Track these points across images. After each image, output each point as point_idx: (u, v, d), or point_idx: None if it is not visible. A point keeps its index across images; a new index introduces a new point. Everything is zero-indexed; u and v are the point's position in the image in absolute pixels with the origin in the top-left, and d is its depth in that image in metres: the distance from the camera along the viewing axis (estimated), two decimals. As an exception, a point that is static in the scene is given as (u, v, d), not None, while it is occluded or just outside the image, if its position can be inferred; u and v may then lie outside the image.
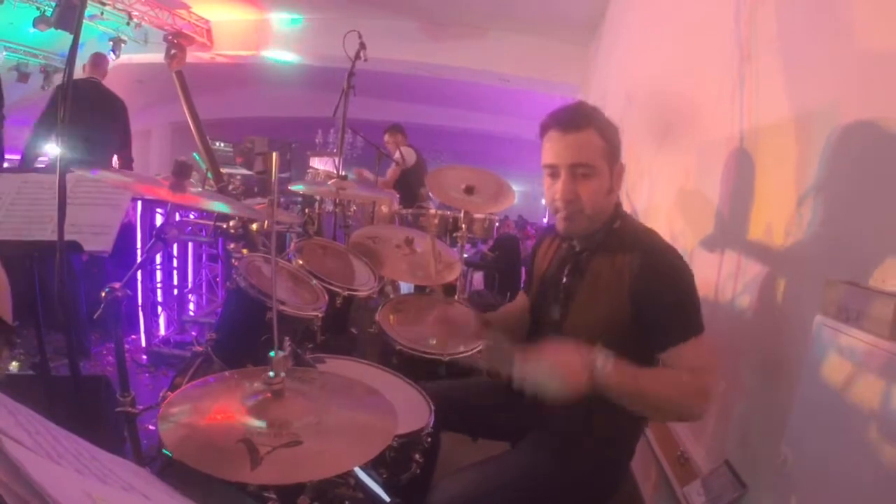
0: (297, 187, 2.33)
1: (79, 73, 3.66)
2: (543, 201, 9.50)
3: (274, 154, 0.96)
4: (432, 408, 1.30)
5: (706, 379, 1.03)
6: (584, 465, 1.16)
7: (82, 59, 3.50)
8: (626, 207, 1.24)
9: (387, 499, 1.14)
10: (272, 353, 0.84)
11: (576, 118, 1.10)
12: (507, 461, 1.21)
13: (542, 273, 1.32)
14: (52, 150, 3.17)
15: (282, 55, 6.61)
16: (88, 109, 3.29)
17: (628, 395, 0.98)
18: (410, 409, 1.30)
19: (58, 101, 3.34)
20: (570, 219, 1.13)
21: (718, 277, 1.53)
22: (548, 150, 1.13)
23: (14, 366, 2.00)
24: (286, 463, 0.73)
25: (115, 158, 3.50)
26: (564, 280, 1.21)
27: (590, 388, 0.95)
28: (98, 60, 3.54)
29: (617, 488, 1.23)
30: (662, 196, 2.27)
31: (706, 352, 1.05)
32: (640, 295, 1.07)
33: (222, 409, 0.82)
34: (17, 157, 3.51)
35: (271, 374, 0.83)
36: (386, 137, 4.57)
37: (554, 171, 1.12)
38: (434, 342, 1.67)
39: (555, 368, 0.94)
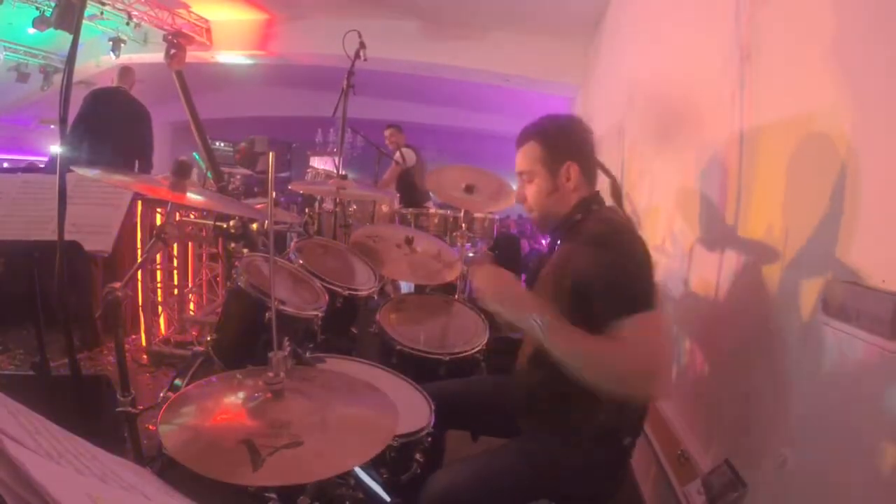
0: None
1: (108, 82, 3.89)
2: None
3: (271, 154, 0.95)
4: (433, 407, 1.30)
5: (648, 348, 0.99)
6: (579, 461, 1.15)
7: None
8: (626, 207, 1.26)
9: (387, 499, 1.14)
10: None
11: (521, 136, 1.30)
12: (501, 452, 1.22)
13: None
14: (85, 154, 3.36)
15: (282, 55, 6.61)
16: (118, 117, 3.57)
17: (567, 347, 1.01)
18: (411, 409, 1.29)
19: (89, 108, 3.56)
20: (531, 216, 1.32)
21: (718, 277, 1.53)
22: None
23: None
24: (288, 464, 0.72)
25: (136, 164, 3.67)
26: (541, 273, 1.30)
27: (535, 338, 1.03)
28: (125, 72, 3.80)
29: (616, 490, 1.23)
30: (662, 196, 2.27)
31: (651, 328, 1.02)
32: (578, 276, 1.09)
33: (223, 411, 0.82)
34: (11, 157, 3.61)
35: (271, 374, 0.83)
36: (387, 133, 4.60)
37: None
38: (423, 337, 1.69)
39: (503, 292, 1.09)
